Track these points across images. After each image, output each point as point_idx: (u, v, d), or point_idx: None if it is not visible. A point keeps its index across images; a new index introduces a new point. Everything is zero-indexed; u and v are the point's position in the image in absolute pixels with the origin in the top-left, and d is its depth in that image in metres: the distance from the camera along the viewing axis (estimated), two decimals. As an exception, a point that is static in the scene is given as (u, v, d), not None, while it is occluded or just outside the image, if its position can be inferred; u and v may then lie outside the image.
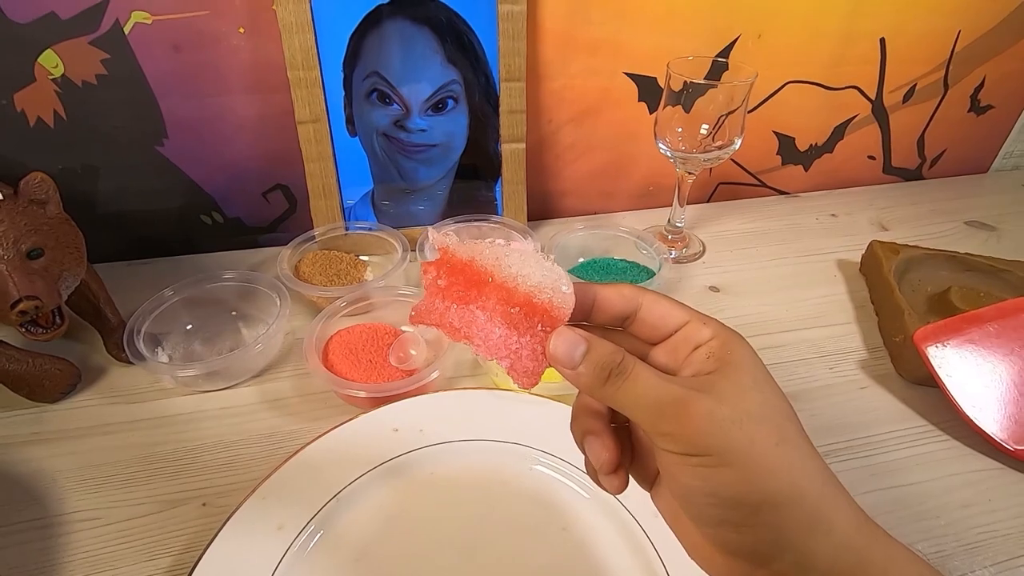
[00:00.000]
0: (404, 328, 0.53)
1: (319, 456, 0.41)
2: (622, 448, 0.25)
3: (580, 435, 0.25)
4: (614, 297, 0.25)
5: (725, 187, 0.78)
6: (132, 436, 0.45)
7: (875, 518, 0.22)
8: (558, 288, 0.23)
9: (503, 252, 0.25)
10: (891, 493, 0.41)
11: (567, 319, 0.23)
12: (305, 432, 0.45)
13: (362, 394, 0.45)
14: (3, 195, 0.39)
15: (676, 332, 0.24)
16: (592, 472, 0.25)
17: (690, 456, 0.21)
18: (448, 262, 0.26)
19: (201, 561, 0.34)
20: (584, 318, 0.25)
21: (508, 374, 0.24)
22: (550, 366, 0.24)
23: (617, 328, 0.25)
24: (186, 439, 0.45)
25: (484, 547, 0.38)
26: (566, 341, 0.23)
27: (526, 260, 0.24)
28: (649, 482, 0.26)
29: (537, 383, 0.24)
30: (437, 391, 0.46)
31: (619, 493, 0.25)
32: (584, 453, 0.25)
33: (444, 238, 0.26)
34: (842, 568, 0.21)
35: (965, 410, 0.44)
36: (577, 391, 0.26)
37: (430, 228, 0.28)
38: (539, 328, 0.24)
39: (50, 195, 0.41)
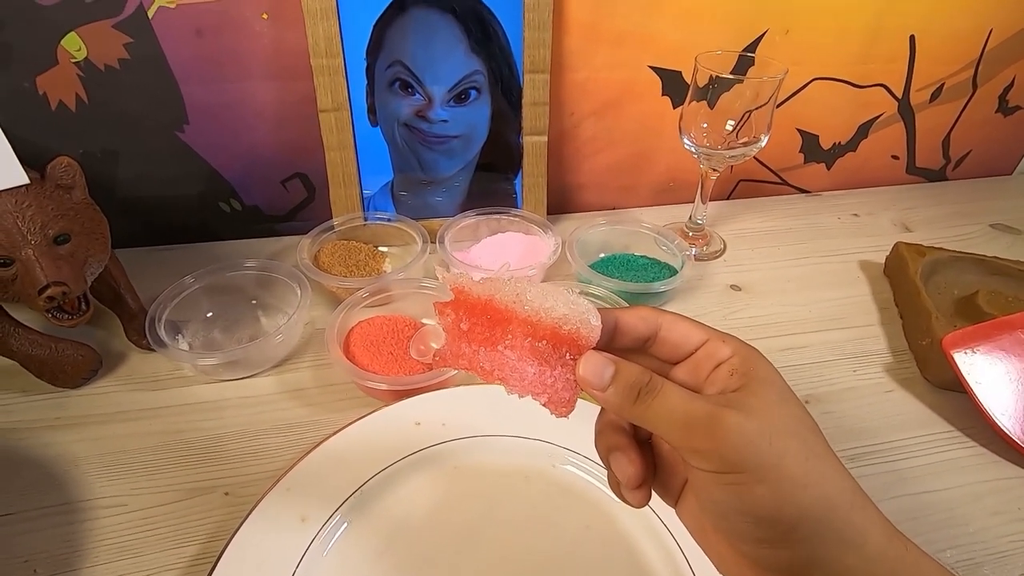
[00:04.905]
0: (425, 321, 0.53)
1: (342, 448, 0.41)
2: (645, 463, 0.25)
3: (605, 450, 0.26)
4: (634, 320, 0.25)
5: (746, 184, 0.77)
6: (154, 423, 0.45)
7: (902, 524, 0.22)
8: (586, 321, 0.24)
9: (522, 288, 0.24)
10: (918, 499, 0.41)
11: (594, 346, 0.24)
12: (326, 423, 0.45)
13: (383, 386, 0.45)
14: (30, 180, 0.39)
15: (696, 351, 0.25)
16: (615, 486, 0.26)
17: (723, 474, 0.21)
18: (465, 303, 0.25)
19: (226, 552, 0.34)
20: (606, 343, 0.25)
21: (545, 407, 0.24)
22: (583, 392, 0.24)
23: (637, 351, 0.26)
24: (207, 427, 0.45)
25: (506, 542, 0.37)
26: (595, 364, 0.23)
27: (547, 294, 0.24)
28: (673, 497, 0.26)
29: (573, 410, 0.24)
30: (459, 385, 0.46)
31: (642, 507, 0.25)
32: (609, 468, 0.26)
33: (457, 278, 0.25)
34: None
35: (995, 418, 0.43)
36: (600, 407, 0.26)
37: (439, 268, 0.28)
38: (568, 357, 0.24)
39: (76, 180, 0.41)
